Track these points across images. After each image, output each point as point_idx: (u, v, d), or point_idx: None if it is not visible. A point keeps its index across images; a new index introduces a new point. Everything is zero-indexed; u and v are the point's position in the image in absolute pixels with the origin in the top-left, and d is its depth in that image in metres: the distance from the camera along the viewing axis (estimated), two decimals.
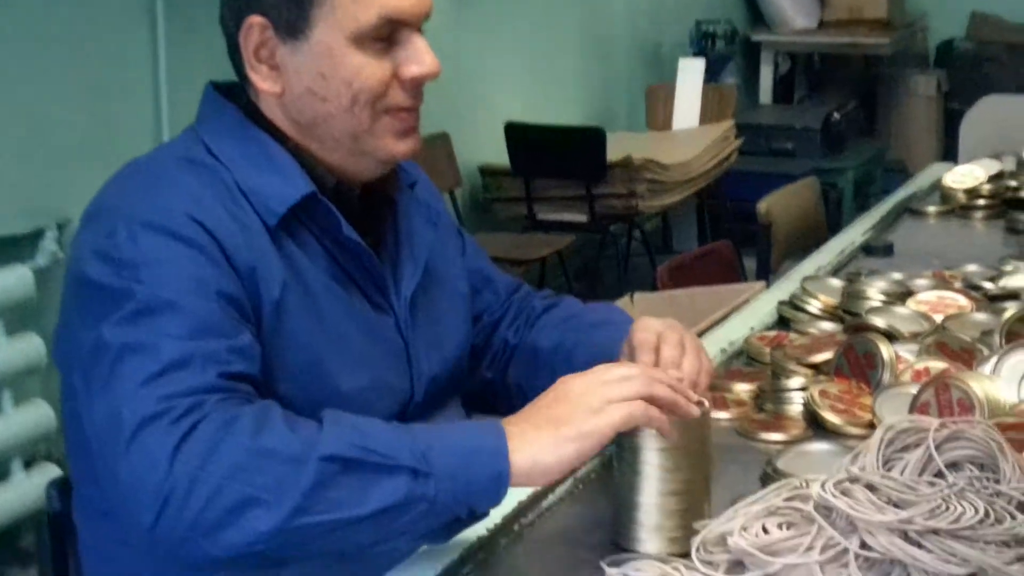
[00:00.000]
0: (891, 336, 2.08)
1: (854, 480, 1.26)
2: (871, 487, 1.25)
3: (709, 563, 1.26)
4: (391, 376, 1.63)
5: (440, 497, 1.33)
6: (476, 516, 1.42)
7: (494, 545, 1.51)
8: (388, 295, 1.64)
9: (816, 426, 1.87)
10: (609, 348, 1.73)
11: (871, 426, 1.84)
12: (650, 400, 1.40)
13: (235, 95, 1.60)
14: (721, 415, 1.92)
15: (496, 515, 1.54)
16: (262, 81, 1.55)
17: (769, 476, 1.63)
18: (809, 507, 1.24)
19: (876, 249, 2.91)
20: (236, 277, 1.46)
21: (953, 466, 1.40)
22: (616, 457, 1.49)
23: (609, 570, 1.28)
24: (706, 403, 1.50)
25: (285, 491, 1.29)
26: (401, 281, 1.66)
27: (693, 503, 1.46)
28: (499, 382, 1.87)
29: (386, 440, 1.35)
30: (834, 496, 1.22)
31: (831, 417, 1.86)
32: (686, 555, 1.36)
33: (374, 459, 1.32)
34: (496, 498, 1.38)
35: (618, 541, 1.48)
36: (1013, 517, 1.24)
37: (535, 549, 1.52)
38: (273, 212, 1.52)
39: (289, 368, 1.49)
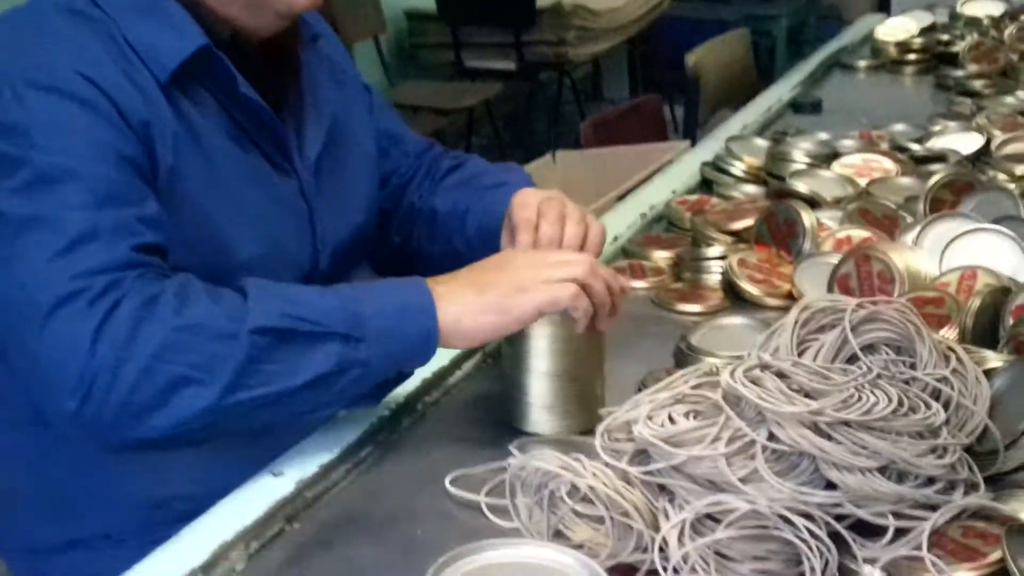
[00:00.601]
0: (813, 202, 2.02)
1: (764, 367, 1.21)
2: (782, 375, 1.20)
3: (613, 452, 1.21)
4: (293, 243, 1.55)
5: (373, 360, 1.31)
6: (403, 376, 1.41)
7: (396, 425, 1.46)
8: (291, 157, 1.55)
9: (735, 296, 1.82)
10: (500, 212, 1.66)
11: (790, 297, 1.79)
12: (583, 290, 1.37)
13: None
14: (638, 284, 1.87)
15: (399, 393, 1.48)
16: None
17: (683, 352, 1.58)
18: (718, 395, 1.18)
19: (804, 106, 2.85)
20: (134, 137, 1.36)
21: (869, 348, 1.35)
22: (506, 344, 1.44)
23: (511, 456, 1.23)
24: None
25: (217, 368, 1.25)
26: (305, 142, 1.57)
27: (584, 385, 1.42)
28: (407, 248, 1.80)
29: (316, 307, 1.31)
30: (743, 385, 1.16)
31: (749, 288, 1.81)
32: (588, 433, 1.31)
33: (305, 328, 1.29)
34: (425, 357, 1.36)
35: (509, 421, 1.44)
36: (928, 406, 1.19)
37: (438, 429, 1.47)
38: (164, 67, 1.41)
39: (183, 235, 1.40)
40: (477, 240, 1.67)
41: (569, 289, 1.36)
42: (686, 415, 1.20)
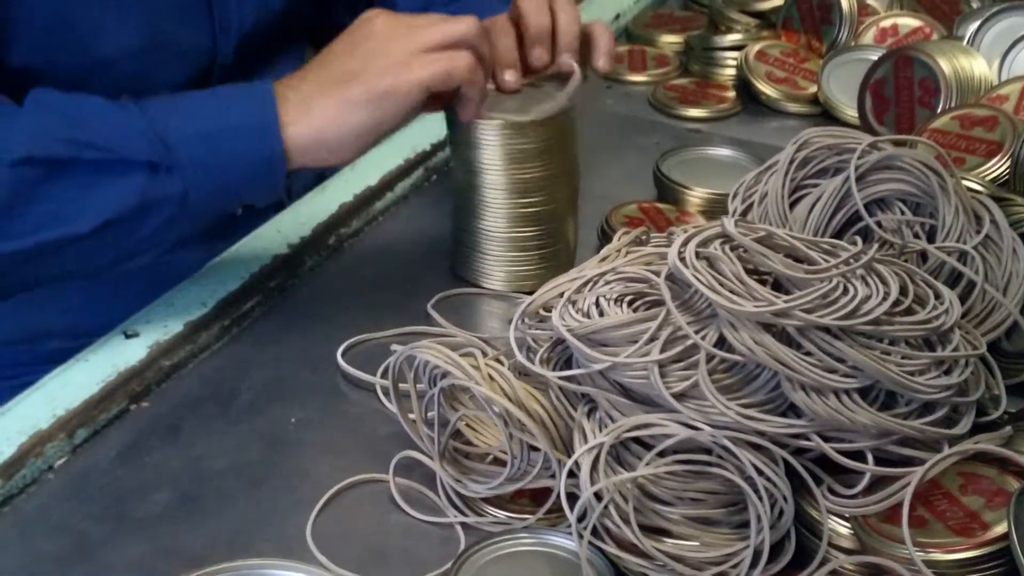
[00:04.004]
0: None
1: (726, 240, 0.92)
2: (747, 252, 0.91)
3: (526, 346, 0.94)
4: (183, 29, 1.23)
5: (193, 194, 1.01)
6: (257, 209, 1.11)
7: (296, 266, 1.19)
8: None
9: (749, 98, 1.52)
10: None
11: (815, 102, 1.49)
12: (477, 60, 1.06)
13: None
14: (636, 78, 1.56)
15: (304, 223, 1.22)
16: None
17: (662, 183, 1.29)
18: (662, 277, 0.90)
19: None
20: None
21: (881, 203, 1.06)
22: (453, 158, 1.15)
23: (394, 347, 0.96)
24: (577, 74, 1.15)
25: None
26: None
27: (549, 228, 1.14)
28: None
29: (110, 126, 1.00)
30: (691, 268, 0.88)
31: (766, 88, 1.51)
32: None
33: (90, 155, 0.98)
34: (271, 186, 1.04)
35: (455, 269, 1.18)
36: (938, 297, 0.91)
37: (352, 274, 1.19)
38: None
39: (27, 23, 1.10)
40: None
41: (459, 60, 1.04)
42: (619, 301, 0.92)
